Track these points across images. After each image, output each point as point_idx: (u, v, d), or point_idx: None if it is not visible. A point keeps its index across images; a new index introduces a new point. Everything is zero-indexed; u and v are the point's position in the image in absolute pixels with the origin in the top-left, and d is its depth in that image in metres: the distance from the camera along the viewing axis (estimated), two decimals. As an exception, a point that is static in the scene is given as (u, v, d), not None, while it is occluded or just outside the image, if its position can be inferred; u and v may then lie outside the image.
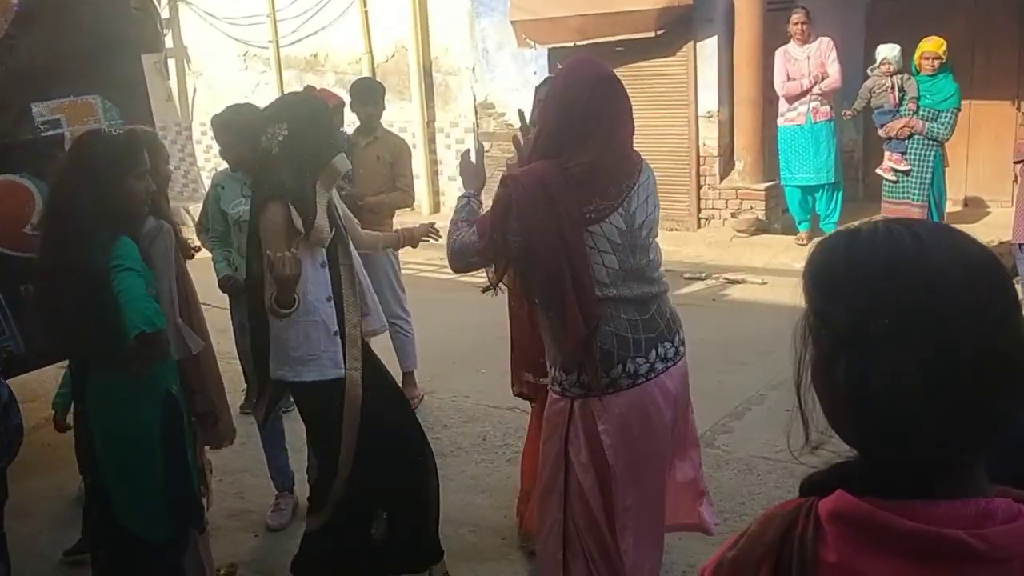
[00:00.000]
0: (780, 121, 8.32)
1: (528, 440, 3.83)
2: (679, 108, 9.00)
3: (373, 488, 3.38)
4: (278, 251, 3.00)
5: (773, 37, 8.43)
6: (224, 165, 4.42)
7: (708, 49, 8.87)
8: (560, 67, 2.75)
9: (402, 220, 8.71)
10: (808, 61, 8.06)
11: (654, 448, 2.78)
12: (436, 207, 11.02)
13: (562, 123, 2.61)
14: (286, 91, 11.50)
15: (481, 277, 2.95)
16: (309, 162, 3.21)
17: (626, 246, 2.65)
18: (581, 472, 2.71)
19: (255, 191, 3.32)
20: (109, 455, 3.00)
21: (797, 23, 8.09)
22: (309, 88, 5.51)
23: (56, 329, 2.99)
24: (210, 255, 4.49)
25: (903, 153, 7.01)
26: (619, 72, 2.81)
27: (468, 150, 3.10)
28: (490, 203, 2.71)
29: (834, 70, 8.02)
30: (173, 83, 12.80)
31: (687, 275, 8.00)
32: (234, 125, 4.13)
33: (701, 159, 9.14)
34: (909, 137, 7.00)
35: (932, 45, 7.04)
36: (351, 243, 3.45)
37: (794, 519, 1.01)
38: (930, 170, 6.98)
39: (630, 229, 2.66)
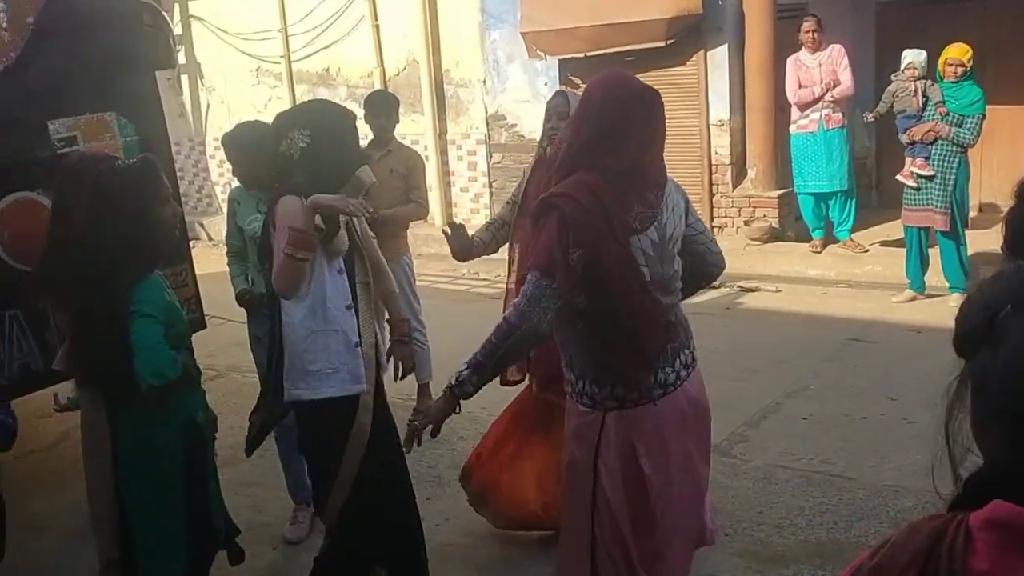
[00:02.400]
0: (792, 129, 8.31)
1: (506, 411, 3.99)
2: (690, 117, 9.01)
3: (371, 539, 3.31)
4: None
5: (784, 45, 8.43)
6: (234, 182, 4.45)
7: (719, 58, 8.88)
8: (594, 79, 2.73)
9: (415, 232, 8.77)
10: (820, 68, 8.06)
11: (687, 456, 2.79)
12: (449, 219, 11.04)
13: (598, 132, 2.60)
14: (298, 102, 11.56)
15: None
16: (332, 172, 3.15)
17: (657, 258, 2.66)
18: (610, 484, 2.70)
19: (271, 197, 3.29)
20: (128, 480, 2.99)
21: (808, 31, 8.09)
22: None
23: (80, 361, 2.97)
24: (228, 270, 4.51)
25: (927, 158, 6.96)
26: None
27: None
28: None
29: (846, 77, 8.01)
30: (186, 98, 12.89)
31: (701, 284, 7.97)
32: (244, 142, 4.15)
33: (713, 167, 9.14)
34: (933, 142, 6.95)
35: (957, 52, 6.98)
36: (367, 260, 3.38)
37: (943, 530, 1.01)
38: (953, 176, 6.92)
39: (662, 241, 2.67)
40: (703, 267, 2.92)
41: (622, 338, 2.60)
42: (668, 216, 2.69)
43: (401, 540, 3.40)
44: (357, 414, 3.20)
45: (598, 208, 2.53)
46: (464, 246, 3.83)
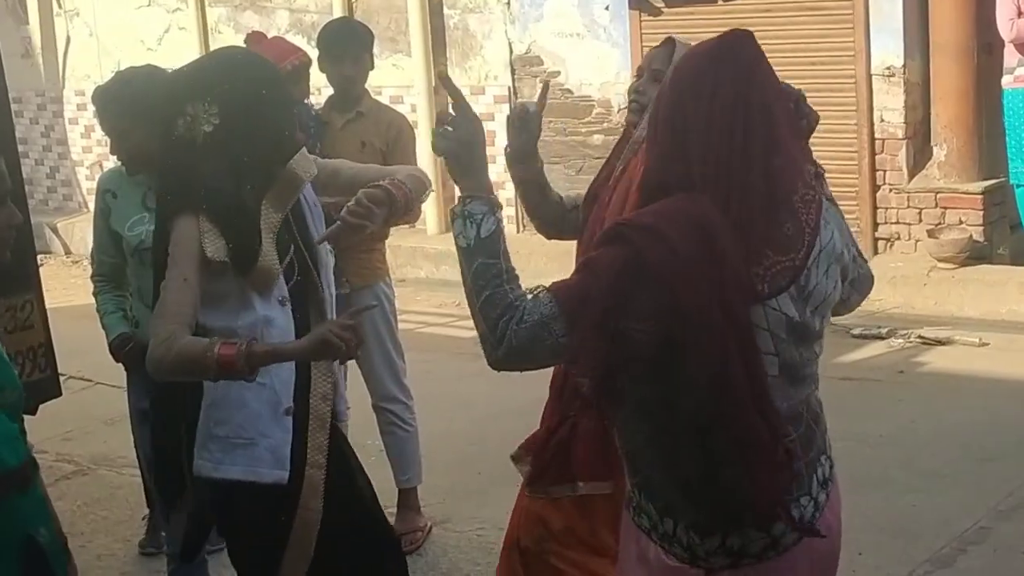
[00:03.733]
0: (1008, 82, 8.32)
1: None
2: (840, 63, 8.98)
3: None
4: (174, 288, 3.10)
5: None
6: (112, 162, 4.50)
7: (887, -32, 8.93)
8: (686, 53, 2.77)
9: (399, 244, 8.77)
10: (1053, -14, 8.07)
11: None
12: (448, 224, 11.02)
13: (679, 133, 2.63)
14: (212, 42, 11.69)
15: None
16: (252, 166, 3.26)
17: (791, 340, 2.65)
18: None
19: (160, 202, 3.38)
20: None
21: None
22: (253, 37, 5.59)
23: None
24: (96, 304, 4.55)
25: None
26: (743, 5, 2.85)
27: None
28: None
29: (1095, -1, 8.01)
30: (34, 29, 13.05)
31: (857, 331, 7.93)
32: (128, 101, 4.20)
33: (878, 144, 9.12)
34: None
35: None
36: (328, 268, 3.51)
37: None
38: None
39: (800, 316, 2.65)
40: (841, 306, 2.95)
41: (718, 444, 2.60)
42: (819, 279, 2.68)
43: None
44: (301, 500, 3.31)
45: (705, 258, 2.52)
46: (529, 148, 3.88)
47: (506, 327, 2.53)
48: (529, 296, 2.57)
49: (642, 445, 2.74)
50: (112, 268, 4.40)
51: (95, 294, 4.44)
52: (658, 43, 3.86)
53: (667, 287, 2.50)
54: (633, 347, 2.54)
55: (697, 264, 2.50)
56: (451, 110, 2.89)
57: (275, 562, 3.32)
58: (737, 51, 2.69)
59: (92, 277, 4.46)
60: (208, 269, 3.22)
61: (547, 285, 2.60)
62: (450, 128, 2.87)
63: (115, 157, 4.41)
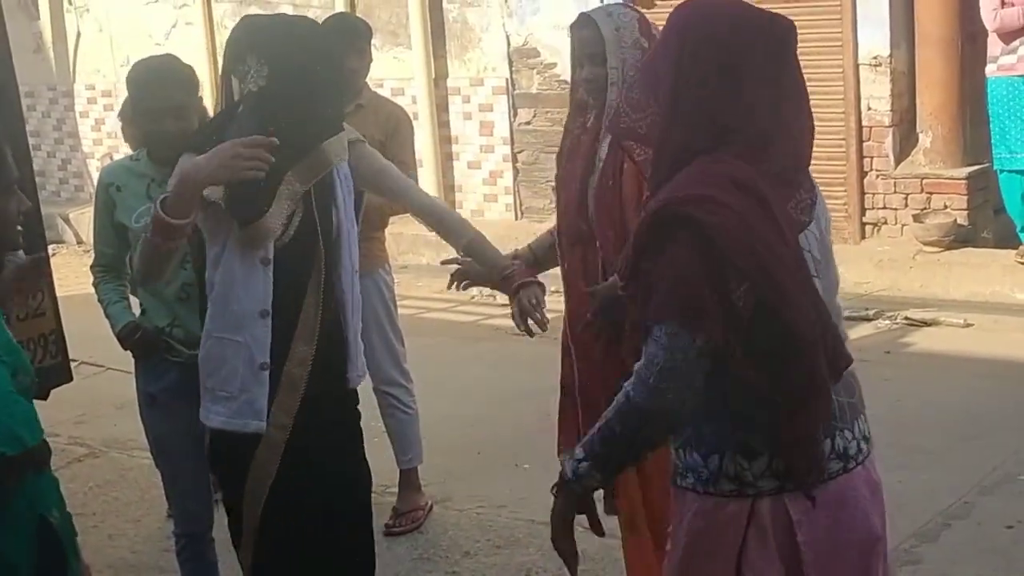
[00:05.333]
0: (991, 71, 8.29)
1: None
2: (828, 53, 9.01)
3: None
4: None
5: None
6: (116, 154, 4.47)
7: (874, -40, 8.91)
8: (677, 7, 2.74)
9: (398, 231, 8.76)
10: (1035, -24, 8.04)
11: (871, 567, 2.78)
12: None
13: (703, 96, 2.61)
14: (218, 37, 11.66)
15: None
16: (289, 136, 3.26)
17: (824, 262, 2.72)
18: None
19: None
20: None
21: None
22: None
23: None
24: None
25: None
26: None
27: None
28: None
29: (1076, -11, 7.98)
30: (45, 25, 13.03)
31: (846, 313, 7.89)
32: (187, 77, 4.14)
33: (865, 131, 9.14)
34: None
35: None
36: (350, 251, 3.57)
37: None
38: None
39: (823, 236, 2.73)
40: None
41: (788, 388, 2.59)
42: (820, 197, 2.76)
43: None
44: (256, 453, 3.47)
45: (756, 209, 2.53)
46: (483, 274, 3.90)
47: (646, 407, 2.56)
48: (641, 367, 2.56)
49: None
50: (113, 259, 4.38)
51: (95, 284, 4.41)
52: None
53: (744, 246, 2.49)
54: (739, 310, 2.52)
55: (752, 216, 2.51)
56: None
57: (238, 496, 3.53)
58: (774, 24, 2.69)
59: (92, 268, 4.42)
60: (204, 208, 3.31)
61: (645, 323, 2.57)
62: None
63: (128, 142, 4.36)
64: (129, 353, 4.38)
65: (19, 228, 3.10)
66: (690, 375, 2.52)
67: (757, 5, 2.79)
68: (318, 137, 3.34)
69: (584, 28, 3.77)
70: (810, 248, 2.65)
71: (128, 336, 4.31)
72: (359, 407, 3.85)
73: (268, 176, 3.25)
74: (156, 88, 4.06)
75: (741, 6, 2.73)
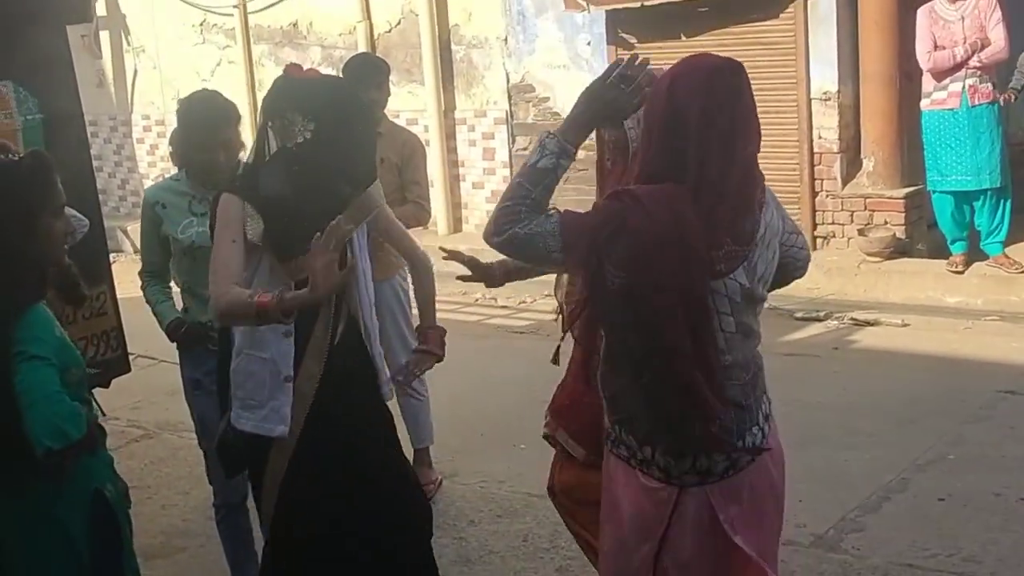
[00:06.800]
0: (925, 105, 8.28)
1: None
2: (785, 89, 9.00)
3: None
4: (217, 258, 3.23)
5: (912, -9, 8.43)
6: (160, 176, 4.46)
7: (824, 8, 8.88)
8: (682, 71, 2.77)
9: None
10: (963, 23, 8.03)
11: (777, 528, 2.96)
12: (456, 226, 11.08)
13: (672, 136, 2.68)
14: (257, 74, 11.69)
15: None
16: (334, 186, 3.29)
17: (743, 304, 2.78)
18: None
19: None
20: None
21: (946, -28, 8.08)
22: (291, 68, 5.57)
23: None
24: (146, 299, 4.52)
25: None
26: (703, 41, 2.86)
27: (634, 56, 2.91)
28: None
29: (998, 35, 7.96)
30: (107, 63, 13.05)
31: (799, 315, 7.94)
32: (234, 114, 4.15)
33: (816, 157, 9.14)
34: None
35: None
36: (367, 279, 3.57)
37: None
38: None
39: (751, 284, 2.78)
40: (781, 278, 3.02)
41: (671, 403, 2.75)
42: (761, 252, 2.78)
43: None
44: (270, 455, 3.48)
45: (673, 238, 2.62)
46: (490, 272, 3.89)
47: (510, 228, 2.67)
48: (542, 216, 2.69)
49: (626, 387, 2.84)
50: (158, 266, 4.41)
51: (143, 287, 4.44)
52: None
53: (638, 246, 2.63)
54: (605, 285, 2.69)
55: (664, 237, 2.63)
56: (627, 69, 2.87)
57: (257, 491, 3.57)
58: (728, 76, 2.73)
59: (140, 273, 4.47)
60: (246, 245, 3.30)
61: (560, 209, 2.74)
62: (615, 79, 2.86)
63: (176, 165, 4.37)
64: (175, 345, 4.40)
65: (65, 247, 3.11)
66: (528, 252, 2.73)
67: (713, 55, 2.82)
68: (356, 185, 3.34)
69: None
70: (728, 292, 2.72)
71: (175, 330, 4.33)
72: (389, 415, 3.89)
73: (315, 220, 3.20)
74: (207, 124, 4.10)
75: (715, 66, 2.74)
